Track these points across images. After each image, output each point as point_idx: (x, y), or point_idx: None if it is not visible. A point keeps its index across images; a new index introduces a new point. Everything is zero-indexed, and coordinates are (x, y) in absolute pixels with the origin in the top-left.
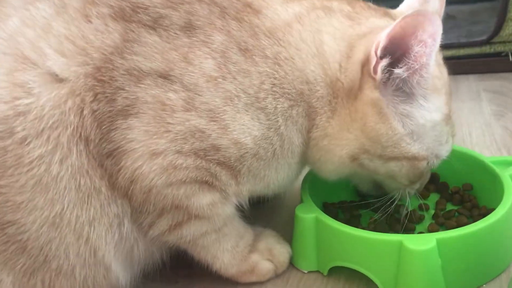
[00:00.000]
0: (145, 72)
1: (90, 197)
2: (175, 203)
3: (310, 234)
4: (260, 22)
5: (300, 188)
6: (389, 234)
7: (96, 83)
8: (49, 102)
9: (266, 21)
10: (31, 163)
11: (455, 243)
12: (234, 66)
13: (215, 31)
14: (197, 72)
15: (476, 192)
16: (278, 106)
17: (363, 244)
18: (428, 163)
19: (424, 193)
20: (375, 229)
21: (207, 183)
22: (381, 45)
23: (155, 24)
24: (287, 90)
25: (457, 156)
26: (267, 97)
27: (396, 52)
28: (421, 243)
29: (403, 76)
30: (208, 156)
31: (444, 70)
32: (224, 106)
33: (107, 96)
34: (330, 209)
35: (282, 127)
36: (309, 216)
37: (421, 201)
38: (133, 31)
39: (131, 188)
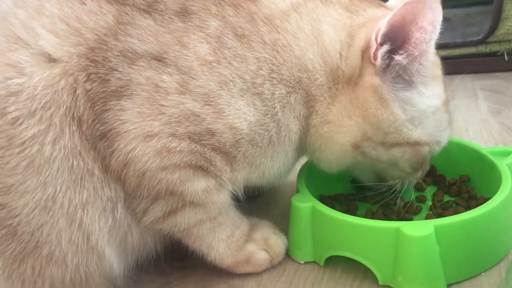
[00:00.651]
0: (139, 54)
1: (83, 179)
2: (170, 189)
3: (306, 223)
4: (257, 9)
5: (296, 179)
6: (386, 221)
7: (89, 63)
8: (41, 81)
9: (264, 8)
10: (23, 144)
11: (453, 230)
12: (229, 51)
13: (210, 16)
14: (192, 56)
15: (473, 183)
16: (275, 92)
17: (360, 232)
18: (430, 149)
19: (421, 186)
20: None
21: (202, 169)
22: (382, 31)
23: (150, 9)
24: (286, 77)
25: (454, 148)
26: (265, 83)
27: (397, 39)
28: (419, 229)
29: (403, 63)
30: (203, 140)
31: (439, 59)
32: (219, 90)
33: (100, 77)
34: (326, 201)
35: (279, 114)
36: (305, 205)
37: (418, 193)
38: (127, 14)
39: (124, 171)
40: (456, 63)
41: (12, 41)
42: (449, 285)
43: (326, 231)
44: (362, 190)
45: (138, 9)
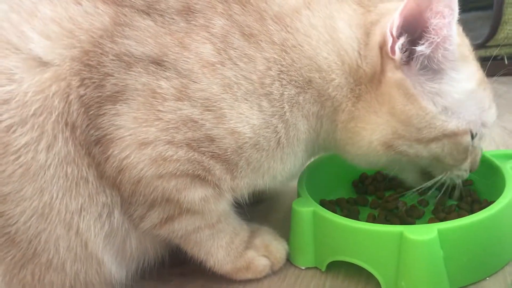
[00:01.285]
0: (136, 58)
1: (78, 185)
2: (166, 196)
3: (308, 228)
4: (267, 7)
5: (297, 184)
6: (389, 225)
7: (83, 68)
8: (31, 87)
9: (274, 6)
10: (17, 151)
11: (457, 233)
12: (235, 51)
13: (216, 15)
14: (193, 58)
15: (476, 187)
16: (285, 92)
17: (362, 237)
18: (472, 135)
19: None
20: None
21: (200, 177)
22: (396, 23)
23: (149, 9)
24: (294, 78)
25: None
26: (274, 83)
27: (414, 29)
28: (422, 233)
29: (427, 53)
30: (202, 147)
31: (465, 38)
32: (222, 93)
33: (94, 82)
34: (327, 206)
35: (287, 114)
36: (307, 209)
37: (421, 197)
38: (125, 15)
39: (119, 178)
40: None
41: (4, 46)
42: None
43: (327, 236)
44: (363, 194)
45: (137, 10)
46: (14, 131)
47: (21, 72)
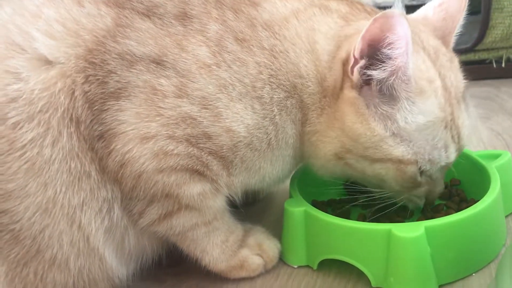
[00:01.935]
0: (137, 57)
1: (80, 180)
2: (165, 191)
3: (300, 228)
4: (258, 14)
5: (289, 185)
6: (378, 223)
7: (87, 65)
8: (37, 85)
9: (264, 14)
10: (23, 147)
11: (444, 231)
12: (229, 55)
13: (211, 20)
14: (190, 59)
15: (463, 186)
16: (274, 96)
17: (352, 235)
18: (420, 168)
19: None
20: None
21: (198, 173)
22: (358, 46)
23: (149, 12)
24: (282, 82)
25: None
26: (264, 87)
27: (372, 54)
28: (410, 230)
29: (381, 78)
30: (200, 143)
31: (448, 74)
32: (218, 93)
33: (98, 79)
34: (319, 207)
35: (277, 117)
36: (298, 209)
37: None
38: (126, 17)
39: (121, 172)
40: None
41: (10, 47)
42: (440, 286)
43: (319, 235)
44: (353, 194)
45: (138, 12)
46: (21, 128)
47: (27, 71)
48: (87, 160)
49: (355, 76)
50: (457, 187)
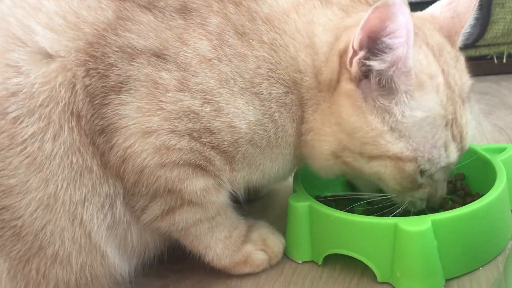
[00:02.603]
0: (138, 50)
1: (82, 176)
2: (168, 186)
3: (304, 223)
4: (258, 8)
5: (293, 181)
6: (383, 217)
7: (88, 59)
8: (38, 79)
9: (265, 8)
10: (24, 142)
11: (450, 224)
12: (230, 49)
13: (212, 13)
14: (191, 52)
15: (468, 181)
16: (273, 92)
17: (358, 229)
18: (419, 167)
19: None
20: None
21: (201, 168)
22: (357, 37)
23: (150, 5)
24: (282, 76)
25: None
26: (263, 82)
27: (372, 45)
28: (417, 224)
29: (380, 69)
30: (202, 138)
31: (453, 72)
32: (219, 88)
33: (99, 72)
34: (323, 202)
35: (276, 114)
36: (303, 204)
37: None
38: (127, 10)
39: (123, 167)
40: None
41: (10, 41)
42: (447, 280)
43: (323, 230)
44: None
45: (139, 5)
46: (21, 122)
47: (27, 65)
48: (88, 155)
49: (354, 68)
50: (461, 182)
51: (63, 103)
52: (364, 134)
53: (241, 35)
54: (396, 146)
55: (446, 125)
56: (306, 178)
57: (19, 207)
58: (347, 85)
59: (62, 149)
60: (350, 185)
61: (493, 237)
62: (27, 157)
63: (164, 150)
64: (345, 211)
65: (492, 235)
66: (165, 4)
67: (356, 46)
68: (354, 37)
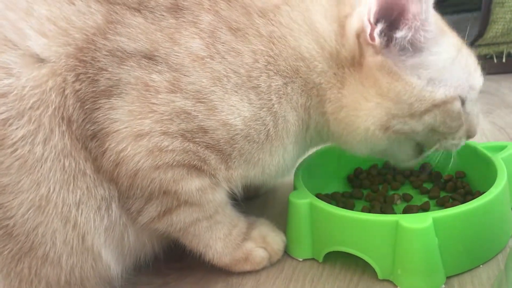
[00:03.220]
0: (128, 53)
1: (75, 179)
2: (163, 188)
3: (305, 220)
4: (251, 2)
5: (293, 178)
6: (384, 215)
7: (78, 64)
8: (29, 82)
9: (257, 2)
10: (14, 144)
11: (451, 221)
12: (223, 45)
13: (203, 11)
14: (183, 52)
15: (469, 179)
16: (272, 84)
17: (358, 227)
18: (463, 100)
19: (417, 183)
20: None
21: (196, 168)
22: (373, 10)
23: (140, 6)
24: (282, 67)
25: None
26: (261, 75)
27: (391, 14)
28: (418, 221)
29: (407, 37)
30: (196, 138)
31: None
32: (212, 86)
33: (89, 77)
34: (323, 200)
35: (275, 106)
36: (303, 201)
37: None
38: (116, 13)
39: (116, 171)
40: None
41: (2, 42)
42: (448, 277)
43: (324, 227)
44: (358, 188)
45: (128, 7)
46: (10, 124)
47: (19, 67)
48: (81, 159)
49: (377, 40)
50: (462, 180)
51: (53, 107)
52: (409, 95)
53: (235, 31)
54: (439, 93)
55: (466, 52)
56: (306, 176)
57: (11, 207)
58: (375, 59)
59: (53, 153)
60: (351, 183)
61: (494, 235)
62: (17, 159)
63: (157, 152)
64: (345, 204)
65: (493, 232)
66: (156, 4)
67: (373, 19)
68: (370, 11)
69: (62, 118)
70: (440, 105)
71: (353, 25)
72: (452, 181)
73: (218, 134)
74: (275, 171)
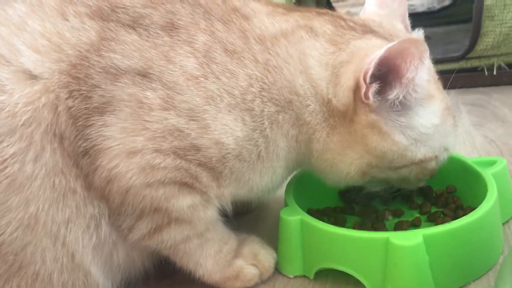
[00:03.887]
0: (122, 70)
1: (65, 197)
2: (154, 205)
3: (296, 237)
4: (250, 28)
5: (284, 194)
6: (375, 232)
7: (71, 80)
8: (22, 98)
9: (256, 28)
10: (4, 162)
11: (442, 239)
12: (217, 66)
13: (199, 31)
14: (177, 71)
15: (460, 194)
16: (265, 109)
17: (349, 244)
18: (437, 160)
19: (408, 197)
20: None
21: (187, 185)
22: (370, 72)
23: (135, 24)
24: (275, 96)
25: None
26: (255, 100)
27: (386, 76)
28: (408, 238)
29: (399, 97)
30: (188, 156)
31: (432, 70)
32: (205, 105)
33: (82, 94)
34: (315, 215)
35: (267, 130)
36: (294, 218)
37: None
38: (111, 30)
39: (108, 188)
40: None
41: None
42: None
43: (315, 244)
44: (349, 203)
45: (123, 24)
46: (1, 142)
47: (11, 84)
48: (71, 177)
49: (371, 100)
50: (453, 195)
51: (45, 124)
52: (393, 153)
53: (231, 53)
54: (420, 153)
55: (448, 114)
56: (298, 191)
57: None
58: (368, 117)
59: (43, 170)
60: (342, 198)
61: (484, 252)
62: (7, 177)
63: (149, 169)
64: (336, 219)
65: (484, 249)
66: (151, 22)
67: (369, 80)
68: (367, 72)
69: (54, 135)
70: (418, 163)
71: (348, 81)
72: (443, 196)
73: (211, 152)
74: (262, 190)
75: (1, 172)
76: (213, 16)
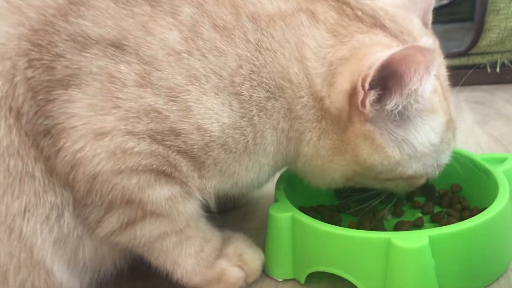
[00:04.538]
0: (92, 40)
1: (21, 182)
2: (126, 196)
3: (286, 236)
4: (242, 3)
5: (275, 189)
6: (375, 232)
7: (31, 47)
8: None
9: (249, 5)
10: None
11: (450, 241)
12: (205, 43)
13: (185, 2)
14: (157, 44)
15: (465, 193)
16: (254, 94)
17: (345, 244)
18: (427, 175)
19: (409, 197)
20: None
21: (165, 174)
22: (369, 79)
23: None
24: (265, 80)
25: None
26: (244, 83)
27: (387, 83)
28: (412, 240)
29: (399, 107)
30: (167, 141)
31: (441, 69)
32: (187, 85)
33: (44, 63)
34: (307, 213)
35: (255, 118)
36: (285, 215)
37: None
38: None
39: (72, 175)
40: None
41: None
42: None
43: (307, 244)
44: (345, 200)
45: None
46: None
47: None
48: (30, 159)
49: (368, 109)
50: (458, 194)
51: None
52: (383, 167)
53: (221, 29)
54: (411, 169)
55: (448, 129)
56: (289, 187)
57: None
58: (363, 127)
59: None
60: (338, 195)
61: (496, 256)
62: None
63: (120, 154)
64: (331, 218)
65: (495, 253)
66: None
67: (367, 87)
68: (366, 78)
69: (10, 110)
70: (406, 179)
71: (345, 84)
72: (447, 196)
73: (192, 139)
74: (247, 186)
75: None
76: None
